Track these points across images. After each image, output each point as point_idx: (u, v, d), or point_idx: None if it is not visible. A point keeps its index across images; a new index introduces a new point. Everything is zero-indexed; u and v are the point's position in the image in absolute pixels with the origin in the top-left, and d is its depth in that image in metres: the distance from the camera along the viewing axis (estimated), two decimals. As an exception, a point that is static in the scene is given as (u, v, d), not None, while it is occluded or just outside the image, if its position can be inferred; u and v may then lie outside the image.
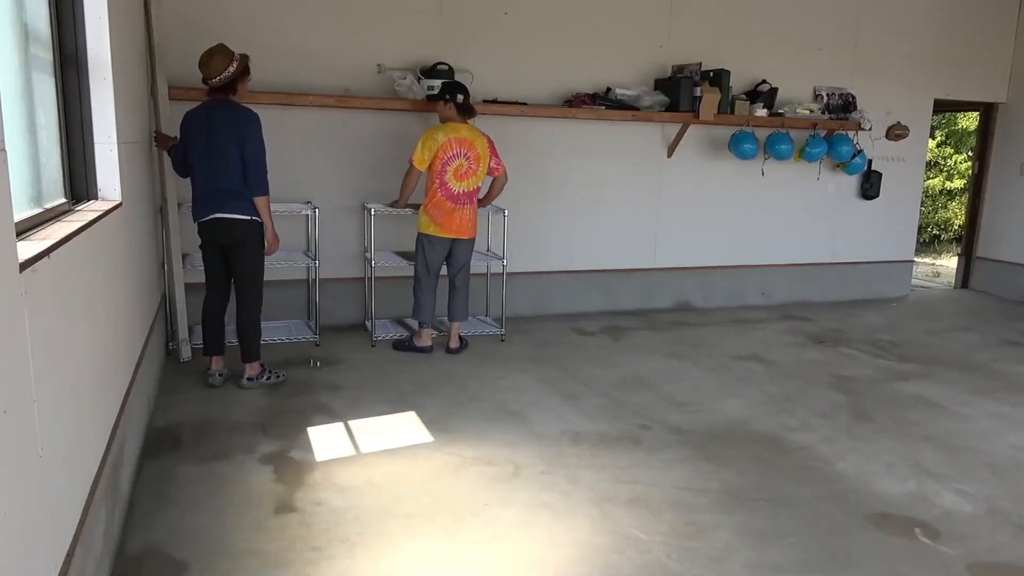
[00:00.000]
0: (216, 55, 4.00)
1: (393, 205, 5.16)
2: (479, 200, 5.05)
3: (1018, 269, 7.66)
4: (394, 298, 5.59)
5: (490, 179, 5.08)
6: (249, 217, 4.07)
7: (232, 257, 4.17)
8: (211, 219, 4.07)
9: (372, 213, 5.09)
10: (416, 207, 5.06)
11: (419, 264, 5.01)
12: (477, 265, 5.56)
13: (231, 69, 3.99)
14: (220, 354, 4.32)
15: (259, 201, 4.06)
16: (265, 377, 4.30)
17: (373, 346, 5.13)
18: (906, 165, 7.35)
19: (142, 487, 3.04)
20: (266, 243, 4.17)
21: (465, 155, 4.84)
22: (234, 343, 4.34)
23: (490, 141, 4.98)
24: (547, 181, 6.06)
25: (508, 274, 5.98)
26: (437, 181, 4.83)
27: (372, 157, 5.54)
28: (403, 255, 5.45)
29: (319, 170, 5.41)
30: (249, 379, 4.26)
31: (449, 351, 5.07)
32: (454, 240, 4.97)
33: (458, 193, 4.87)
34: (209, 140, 4.01)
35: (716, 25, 6.35)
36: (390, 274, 5.49)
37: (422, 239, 4.97)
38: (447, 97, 4.86)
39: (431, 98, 5.07)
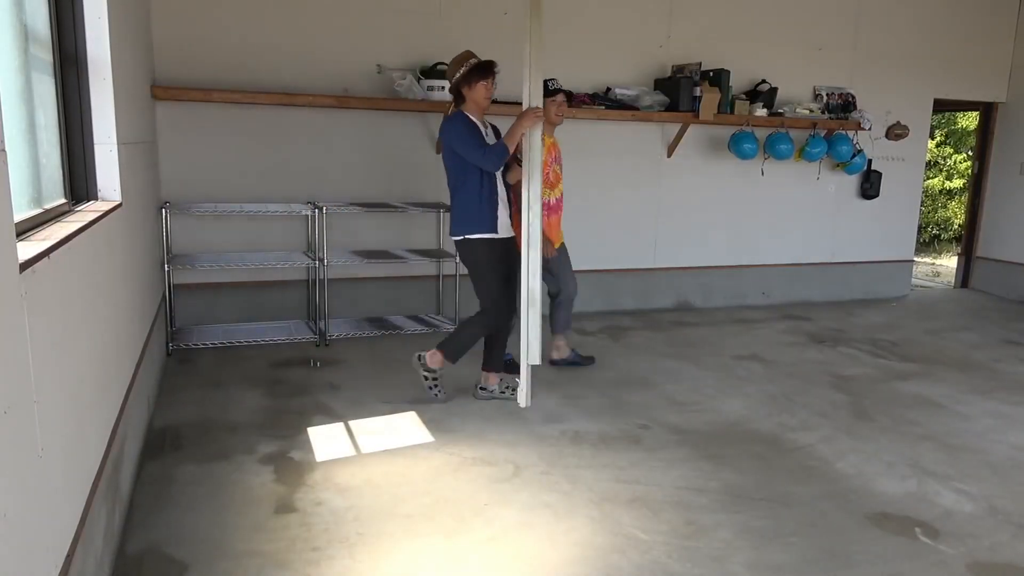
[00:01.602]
0: (450, 64, 3.94)
1: None
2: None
3: (1018, 269, 7.66)
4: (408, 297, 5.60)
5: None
6: (460, 237, 3.96)
7: None
8: None
9: (324, 212, 5.03)
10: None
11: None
12: (427, 266, 5.51)
13: (456, 76, 3.88)
14: (493, 370, 4.21)
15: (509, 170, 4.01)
16: (431, 386, 4.09)
17: (327, 345, 5.11)
18: (906, 165, 7.36)
19: (142, 487, 3.04)
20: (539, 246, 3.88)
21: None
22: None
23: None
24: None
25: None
26: None
27: (372, 157, 5.54)
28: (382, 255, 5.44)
29: (319, 170, 5.41)
30: (424, 370, 4.08)
31: (551, 362, 4.78)
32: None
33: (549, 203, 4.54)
34: (448, 158, 3.98)
35: (716, 25, 6.35)
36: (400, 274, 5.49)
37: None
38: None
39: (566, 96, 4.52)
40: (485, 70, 3.89)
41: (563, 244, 4.75)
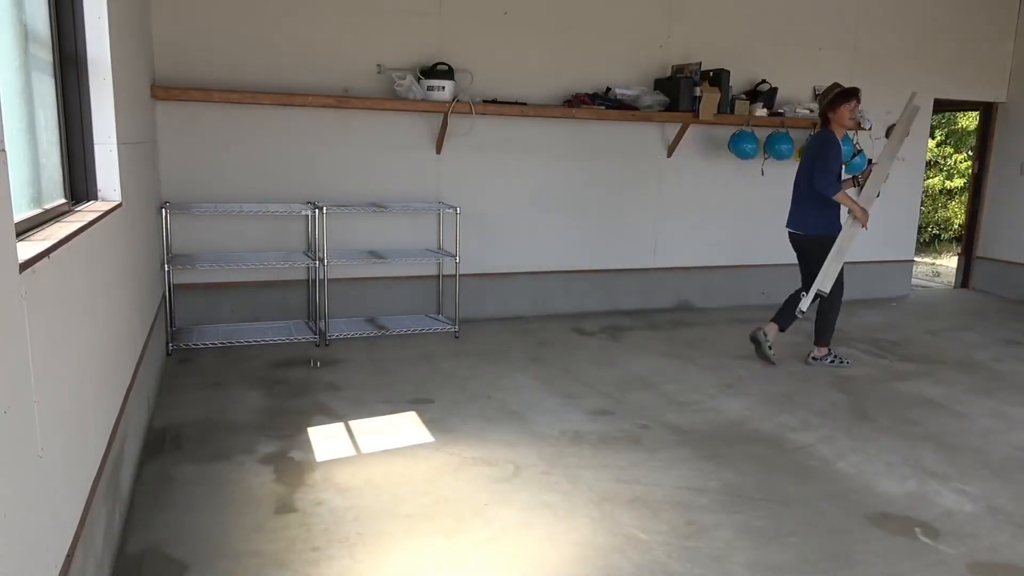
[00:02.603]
0: (822, 93, 4.95)
1: None
2: None
3: (1018, 269, 7.66)
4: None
5: None
6: (803, 233, 4.99)
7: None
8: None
9: (324, 212, 5.03)
10: None
11: None
12: (427, 266, 5.42)
13: (823, 103, 4.86)
14: (774, 322, 5.09)
15: (836, 198, 4.82)
16: (830, 360, 5.05)
17: (327, 345, 5.11)
18: (906, 165, 7.35)
19: (142, 487, 3.04)
20: (857, 220, 4.89)
21: None
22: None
23: None
24: (547, 181, 6.06)
25: (501, 274, 6.01)
26: None
27: (372, 157, 5.54)
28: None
29: (319, 170, 5.41)
30: (813, 358, 5.07)
31: None
32: None
33: None
34: (802, 161, 5.02)
35: (716, 25, 6.35)
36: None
37: None
38: None
39: None
40: (848, 95, 4.78)
41: None
